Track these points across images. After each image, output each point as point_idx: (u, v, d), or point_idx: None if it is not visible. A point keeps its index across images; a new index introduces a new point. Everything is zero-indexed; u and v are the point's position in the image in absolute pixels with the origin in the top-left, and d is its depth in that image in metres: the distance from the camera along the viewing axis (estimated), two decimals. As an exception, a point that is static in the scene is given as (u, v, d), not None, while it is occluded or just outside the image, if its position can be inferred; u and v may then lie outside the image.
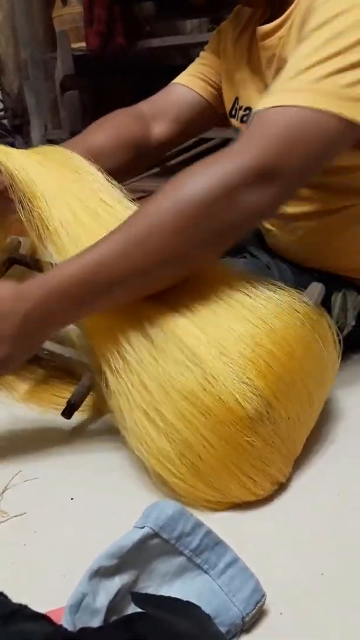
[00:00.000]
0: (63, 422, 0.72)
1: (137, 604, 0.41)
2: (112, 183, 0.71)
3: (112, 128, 0.87)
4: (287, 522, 0.57)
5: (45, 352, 0.76)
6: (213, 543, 0.48)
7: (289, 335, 0.59)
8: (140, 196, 0.74)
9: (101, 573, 0.43)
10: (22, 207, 0.68)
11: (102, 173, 0.72)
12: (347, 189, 0.76)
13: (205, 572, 0.47)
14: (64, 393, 0.77)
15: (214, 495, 0.58)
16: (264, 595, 0.47)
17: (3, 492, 0.62)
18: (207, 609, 0.45)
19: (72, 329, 0.71)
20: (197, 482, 0.57)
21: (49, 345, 0.76)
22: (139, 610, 0.41)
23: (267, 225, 0.88)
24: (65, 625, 0.38)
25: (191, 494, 0.57)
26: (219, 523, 0.50)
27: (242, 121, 0.84)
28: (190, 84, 0.92)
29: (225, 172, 0.57)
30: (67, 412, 0.70)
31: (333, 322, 0.70)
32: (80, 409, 0.72)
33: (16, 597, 0.43)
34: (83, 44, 1.92)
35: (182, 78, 0.93)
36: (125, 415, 0.60)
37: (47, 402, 0.77)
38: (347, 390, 0.77)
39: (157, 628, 0.37)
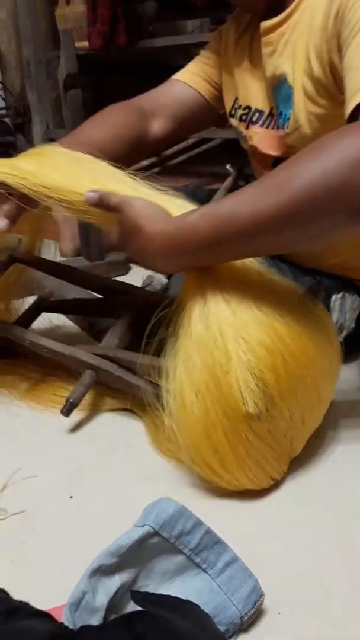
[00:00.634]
0: (62, 420, 0.72)
1: (136, 602, 0.42)
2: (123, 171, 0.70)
3: (111, 123, 0.86)
4: (287, 523, 0.57)
5: (45, 350, 0.76)
6: (212, 542, 0.48)
7: (303, 332, 0.59)
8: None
9: (101, 571, 0.43)
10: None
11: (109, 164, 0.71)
12: None
13: (205, 571, 0.47)
14: (63, 391, 0.77)
15: (224, 475, 0.58)
16: (262, 595, 0.48)
17: (2, 489, 0.62)
18: (206, 608, 0.45)
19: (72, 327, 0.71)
20: (211, 454, 0.57)
21: (48, 343, 0.76)
22: (139, 608, 0.41)
23: None
24: (66, 623, 0.38)
25: (205, 466, 0.58)
26: (219, 522, 0.50)
27: (240, 120, 0.84)
28: (190, 81, 0.91)
29: None
30: (66, 411, 0.70)
31: (334, 322, 0.70)
32: (79, 407, 0.72)
33: (16, 595, 0.43)
34: (85, 44, 1.92)
35: (182, 75, 0.92)
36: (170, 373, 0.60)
37: (46, 400, 0.77)
38: (348, 391, 0.77)
39: (156, 626, 0.37)
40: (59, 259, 1.29)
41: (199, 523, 0.48)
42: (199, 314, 0.58)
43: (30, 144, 1.95)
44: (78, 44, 1.93)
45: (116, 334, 0.77)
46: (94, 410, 0.76)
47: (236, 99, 0.86)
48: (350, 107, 0.58)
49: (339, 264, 0.85)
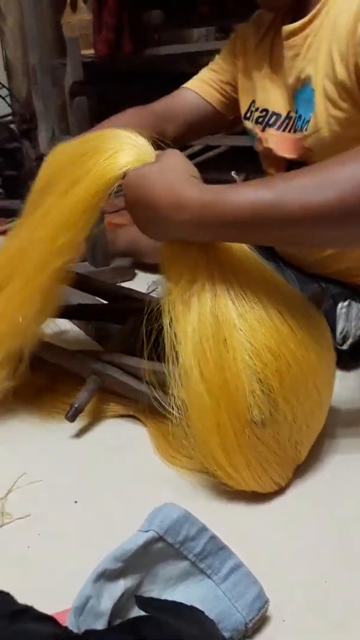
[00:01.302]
0: (67, 425, 0.72)
1: (141, 608, 0.42)
2: None
3: (130, 124, 0.87)
4: (291, 529, 0.57)
5: (50, 355, 0.76)
6: (217, 548, 0.48)
7: (305, 336, 0.59)
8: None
9: (106, 576, 0.43)
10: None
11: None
12: None
13: (209, 577, 0.47)
14: (68, 397, 0.77)
15: (232, 473, 0.58)
16: (267, 601, 0.47)
17: (7, 494, 0.63)
18: (210, 614, 0.45)
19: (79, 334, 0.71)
20: (221, 452, 0.57)
21: (53, 348, 0.76)
22: (143, 613, 0.41)
23: None
24: (70, 628, 0.39)
25: (215, 463, 0.58)
26: (223, 528, 0.50)
27: (256, 122, 0.85)
28: (199, 90, 0.94)
29: None
30: (71, 416, 0.70)
31: (339, 330, 0.69)
32: (83, 412, 0.72)
33: (20, 599, 0.43)
34: (91, 51, 1.94)
35: (193, 83, 0.96)
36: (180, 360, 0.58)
37: (51, 405, 0.77)
38: (353, 398, 0.77)
39: (161, 632, 0.37)
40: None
41: (203, 529, 0.48)
42: (207, 312, 0.57)
43: (35, 150, 1.96)
44: (84, 52, 1.94)
45: (121, 340, 0.77)
46: (99, 415, 0.76)
47: (253, 101, 0.87)
48: None
49: (345, 271, 0.85)
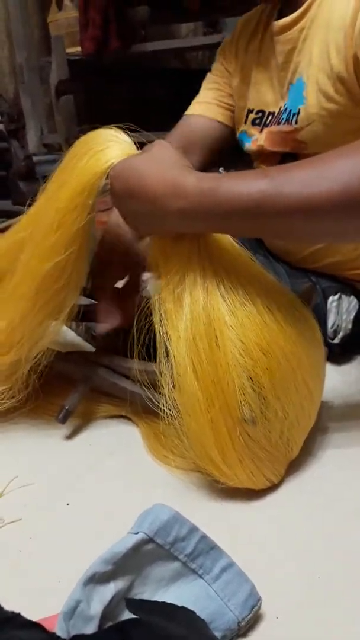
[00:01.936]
0: (58, 427, 0.72)
1: (130, 610, 0.41)
2: None
3: None
4: (283, 526, 0.57)
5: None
6: (208, 548, 0.48)
7: (293, 332, 0.59)
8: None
9: (95, 579, 0.43)
10: None
11: None
12: None
13: (201, 577, 0.47)
14: (59, 398, 0.77)
15: (225, 470, 0.58)
16: (259, 599, 0.47)
17: (-2, 498, 0.62)
18: (202, 614, 0.44)
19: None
20: (214, 447, 0.57)
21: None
22: (134, 616, 0.41)
23: None
24: (59, 633, 0.38)
25: (208, 460, 0.58)
26: (214, 528, 0.50)
27: (253, 124, 0.84)
28: (208, 113, 0.92)
29: None
30: (62, 418, 0.70)
31: (330, 324, 0.69)
32: (74, 414, 0.72)
33: (12, 604, 0.42)
34: (78, 49, 1.93)
35: (198, 108, 0.93)
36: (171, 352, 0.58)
37: (42, 407, 0.77)
38: (345, 393, 0.77)
39: (150, 634, 0.37)
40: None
41: (194, 529, 0.48)
42: (200, 308, 0.57)
43: (24, 149, 1.95)
44: (71, 50, 1.93)
45: (111, 340, 0.77)
46: (90, 416, 0.76)
47: (247, 104, 0.86)
48: None
49: (336, 264, 0.85)
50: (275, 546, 0.54)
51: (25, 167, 1.76)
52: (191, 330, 0.56)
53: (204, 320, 0.56)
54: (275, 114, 0.80)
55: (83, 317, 0.91)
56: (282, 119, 0.77)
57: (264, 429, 0.57)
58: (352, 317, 0.85)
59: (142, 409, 0.69)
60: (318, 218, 0.52)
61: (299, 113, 0.73)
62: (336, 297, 0.84)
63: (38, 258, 0.64)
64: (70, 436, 0.73)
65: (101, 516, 0.59)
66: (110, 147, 0.61)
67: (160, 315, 0.58)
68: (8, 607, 0.42)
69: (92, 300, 0.92)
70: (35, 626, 0.36)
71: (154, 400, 0.63)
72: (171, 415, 0.58)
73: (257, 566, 0.50)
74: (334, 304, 0.84)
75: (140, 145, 0.62)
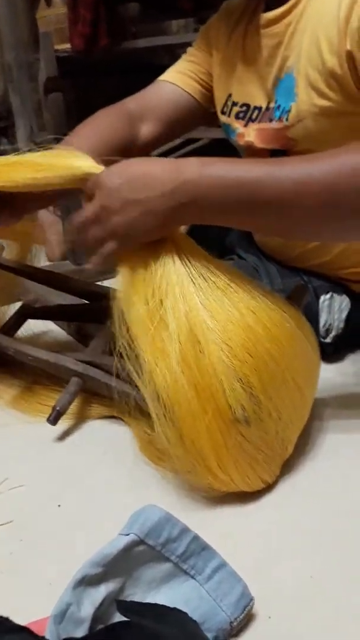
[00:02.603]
0: (49, 428, 0.71)
1: (121, 612, 0.41)
2: None
3: (100, 130, 0.84)
4: (275, 526, 0.57)
5: (30, 358, 0.75)
6: (200, 548, 0.48)
7: (280, 334, 0.58)
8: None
9: (86, 582, 0.43)
10: None
11: None
12: None
13: (193, 577, 0.47)
14: (50, 399, 0.76)
15: (219, 474, 0.57)
16: (251, 599, 0.47)
17: (-11, 500, 0.62)
18: (194, 614, 0.44)
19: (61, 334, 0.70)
20: (209, 452, 0.56)
21: (33, 351, 0.75)
22: (125, 619, 0.41)
23: None
24: (49, 636, 0.38)
25: (202, 465, 0.57)
26: (206, 528, 0.50)
27: (237, 118, 0.82)
28: (178, 81, 0.89)
29: None
30: (53, 419, 0.70)
31: (322, 323, 0.69)
32: (65, 415, 0.71)
33: (2, 606, 0.42)
34: (68, 45, 1.91)
35: (170, 75, 0.90)
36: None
37: (32, 408, 0.77)
38: (338, 391, 0.77)
39: (141, 636, 0.37)
40: (46, 263, 1.29)
41: (185, 529, 0.47)
42: (180, 314, 0.56)
43: (14, 147, 1.94)
44: (60, 46, 1.92)
45: (102, 340, 0.77)
46: (81, 417, 0.75)
47: (229, 95, 0.84)
48: None
49: (328, 263, 0.84)
50: (267, 546, 0.54)
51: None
52: (178, 338, 0.56)
53: (186, 328, 0.56)
54: (263, 110, 0.79)
55: (74, 317, 0.91)
56: (275, 116, 0.76)
57: (258, 429, 0.57)
58: (344, 316, 0.84)
59: (134, 410, 0.69)
60: (312, 209, 0.53)
61: (290, 110, 0.72)
62: (328, 296, 0.84)
63: None
64: (61, 437, 0.72)
65: (92, 518, 0.59)
66: (80, 157, 0.62)
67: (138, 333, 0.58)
68: (0, 609, 0.42)
69: (83, 300, 0.91)
70: (23, 630, 0.36)
71: (145, 401, 0.62)
72: (163, 424, 0.58)
73: (249, 566, 0.50)
74: (326, 302, 0.84)
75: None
